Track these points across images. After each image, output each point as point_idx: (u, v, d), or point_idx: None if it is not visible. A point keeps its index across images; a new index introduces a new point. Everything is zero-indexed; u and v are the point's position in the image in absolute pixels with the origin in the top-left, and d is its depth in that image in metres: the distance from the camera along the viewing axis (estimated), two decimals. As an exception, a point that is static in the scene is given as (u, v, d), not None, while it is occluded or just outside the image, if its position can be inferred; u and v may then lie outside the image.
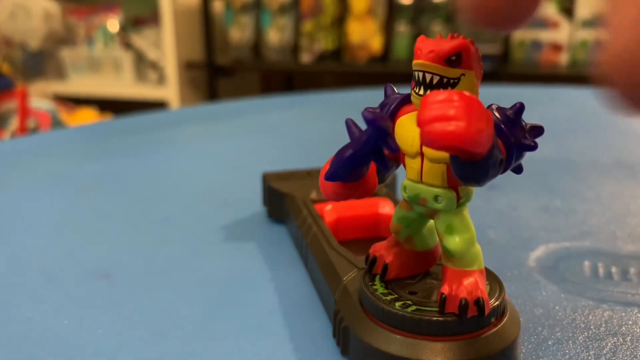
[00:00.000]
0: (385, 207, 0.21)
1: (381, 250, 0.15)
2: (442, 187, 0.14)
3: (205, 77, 1.32)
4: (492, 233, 0.23)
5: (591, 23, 1.11)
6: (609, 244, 0.21)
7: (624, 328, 0.16)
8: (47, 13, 1.36)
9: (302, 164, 0.33)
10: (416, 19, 1.17)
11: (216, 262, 0.21)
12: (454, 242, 0.14)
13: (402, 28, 1.17)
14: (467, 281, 0.14)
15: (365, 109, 0.14)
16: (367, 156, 0.14)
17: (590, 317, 0.17)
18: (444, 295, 0.14)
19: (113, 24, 1.40)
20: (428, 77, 0.13)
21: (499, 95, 0.54)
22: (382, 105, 0.15)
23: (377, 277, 0.15)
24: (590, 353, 0.15)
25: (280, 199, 0.23)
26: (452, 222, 0.14)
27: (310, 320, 0.17)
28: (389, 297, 0.14)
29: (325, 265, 0.17)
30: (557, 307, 0.17)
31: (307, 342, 0.16)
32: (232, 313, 0.17)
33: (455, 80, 0.13)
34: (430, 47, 0.13)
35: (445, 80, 0.13)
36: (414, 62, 0.13)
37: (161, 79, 1.38)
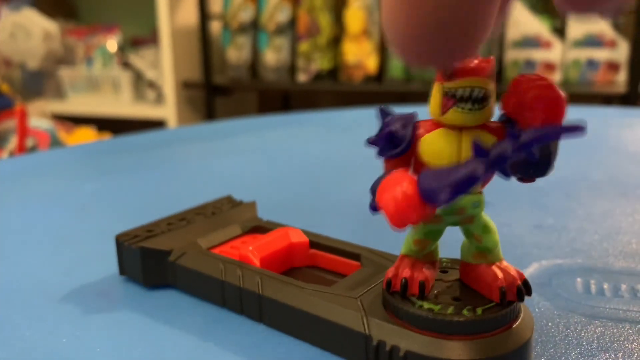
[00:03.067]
0: (295, 236, 0.20)
1: (403, 271, 0.15)
2: (478, 193, 0.15)
3: (203, 96, 1.34)
4: (486, 250, 0.23)
5: (583, 43, 1.13)
6: (601, 261, 0.22)
7: (616, 344, 0.17)
8: (46, 33, 1.38)
9: (300, 183, 0.34)
10: (411, 39, 1.19)
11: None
12: (493, 238, 0.15)
13: (398, 48, 1.19)
14: (510, 269, 0.15)
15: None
16: None
17: (583, 334, 0.17)
18: (503, 288, 0.15)
19: (112, 44, 1.42)
20: (476, 92, 0.14)
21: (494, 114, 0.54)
22: (387, 124, 0.15)
23: (414, 298, 0.15)
24: (583, 369, 0.15)
25: (161, 259, 0.20)
26: (485, 222, 0.15)
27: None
28: (449, 310, 0.15)
29: (319, 308, 0.16)
30: (549, 324, 0.18)
31: None
32: (229, 330, 0.18)
33: (490, 92, 0.14)
34: (474, 65, 0.14)
35: (488, 93, 0.14)
36: (464, 79, 0.14)
37: (159, 99, 1.39)
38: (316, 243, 0.20)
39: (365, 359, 0.16)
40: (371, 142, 0.15)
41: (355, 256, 0.19)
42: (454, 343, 0.14)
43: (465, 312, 0.15)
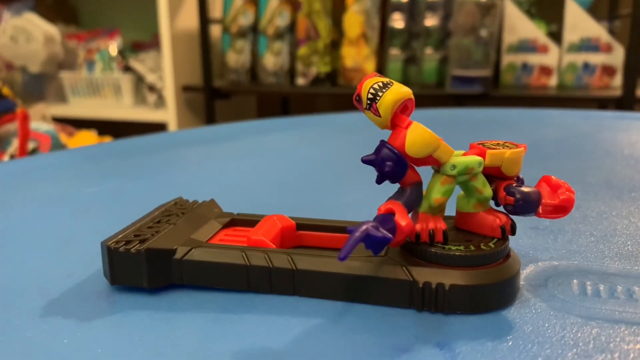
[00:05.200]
0: (283, 221, 0.22)
1: (428, 225, 0.19)
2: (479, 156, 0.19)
3: (203, 100, 1.34)
4: (483, 252, 0.23)
5: (579, 47, 1.13)
6: (597, 263, 0.22)
7: (612, 345, 0.17)
8: (47, 37, 1.38)
9: (299, 186, 0.34)
10: (408, 43, 1.20)
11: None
12: (490, 189, 0.19)
13: (395, 52, 1.20)
14: (500, 213, 0.19)
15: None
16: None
17: (579, 335, 0.17)
18: (503, 226, 0.19)
19: (112, 48, 1.42)
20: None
21: (490, 117, 0.55)
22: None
23: (438, 244, 0.19)
24: (579, 369, 0.16)
25: (167, 259, 0.20)
26: (484, 177, 0.19)
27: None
28: (472, 248, 0.18)
29: (359, 269, 0.19)
30: (546, 325, 0.18)
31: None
32: (229, 332, 0.18)
33: None
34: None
35: None
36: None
37: (160, 102, 1.39)
38: (302, 225, 0.22)
39: (409, 303, 0.18)
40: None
41: (342, 230, 0.22)
42: (485, 271, 0.18)
43: (483, 246, 0.18)
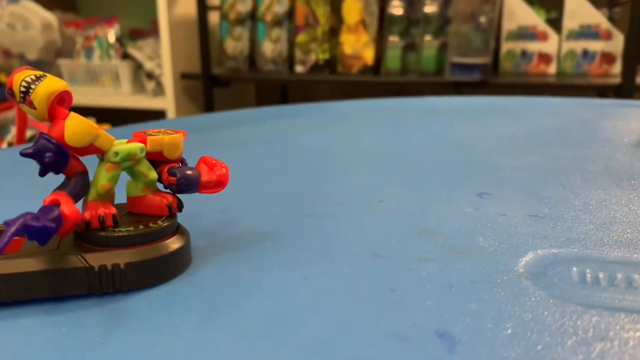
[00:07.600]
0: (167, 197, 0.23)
1: (97, 211, 0.19)
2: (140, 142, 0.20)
3: (202, 87, 1.33)
4: (482, 240, 0.23)
5: (578, 34, 1.13)
6: (597, 250, 0.22)
7: (611, 333, 0.17)
8: (45, 24, 1.37)
9: (298, 174, 0.34)
10: (407, 30, 1.19)
11: (210, 270, 0.21)
12: (155, 173, 0.21)
13: (394, 39, 1.19)
14: (166, 193, 0.21)
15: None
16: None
17: (579, 322, 0.17)
18: (169, 205, 0.21)
19: (111, 35, 1.41)
20: None
21: (489, 105, 0.55)
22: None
23: (110, 228, 0.19)
24: (579, 357, 0.16)
25: None
26: (148, 162, 0.21)
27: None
28: (141, 227, 0.20)
29: (37, 264, 0.18)
30: (545, 313, 0.18)
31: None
32: (227, 319, 0.18)
33: None
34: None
35: None
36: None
37: (158, 90, 1.38)
38: None
39: (88, 289, 0.19)
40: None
41: None
42: (156, 246, 0.19)
43: (151, 225, 0.20)
